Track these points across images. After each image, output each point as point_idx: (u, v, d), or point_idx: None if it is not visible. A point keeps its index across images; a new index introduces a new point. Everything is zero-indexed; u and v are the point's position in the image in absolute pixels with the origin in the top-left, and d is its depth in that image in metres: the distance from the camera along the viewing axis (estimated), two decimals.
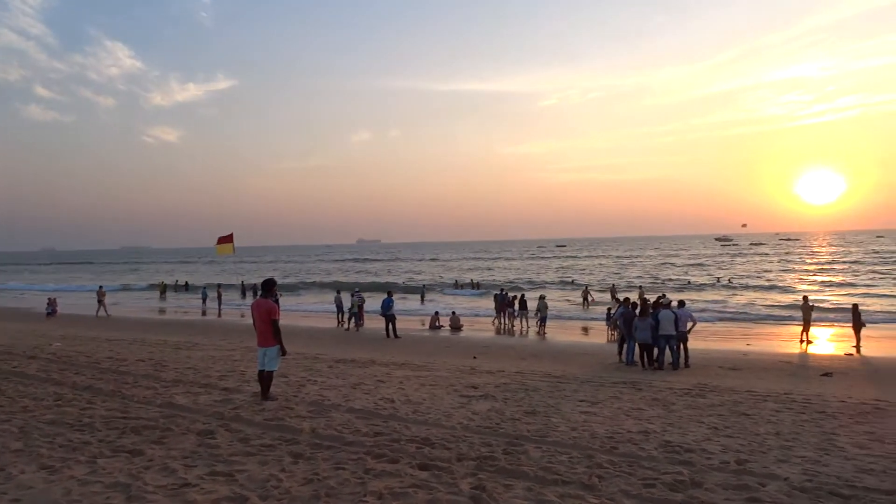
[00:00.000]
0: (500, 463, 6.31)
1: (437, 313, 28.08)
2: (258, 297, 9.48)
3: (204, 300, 40.03)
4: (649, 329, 15.76)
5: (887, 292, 41.73)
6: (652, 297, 23.96)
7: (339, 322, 27.76)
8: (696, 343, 17.73)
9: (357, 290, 30.92)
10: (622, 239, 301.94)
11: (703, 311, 31.67)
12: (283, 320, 10.54)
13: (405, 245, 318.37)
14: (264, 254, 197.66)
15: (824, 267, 69.78)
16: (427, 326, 27.24)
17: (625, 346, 16.62)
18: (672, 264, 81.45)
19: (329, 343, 20.54)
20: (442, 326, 26.81)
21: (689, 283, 50.12)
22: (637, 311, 16.90)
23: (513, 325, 27.26)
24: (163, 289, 51.19)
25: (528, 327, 26.34)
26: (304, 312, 34.64)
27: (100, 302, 32.96)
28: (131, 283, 69.47)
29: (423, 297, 42.00)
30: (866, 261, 74.53)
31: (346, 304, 27.71)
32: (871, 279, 52.16)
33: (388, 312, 23.15)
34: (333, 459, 6.28)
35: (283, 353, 9.11)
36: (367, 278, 70.56)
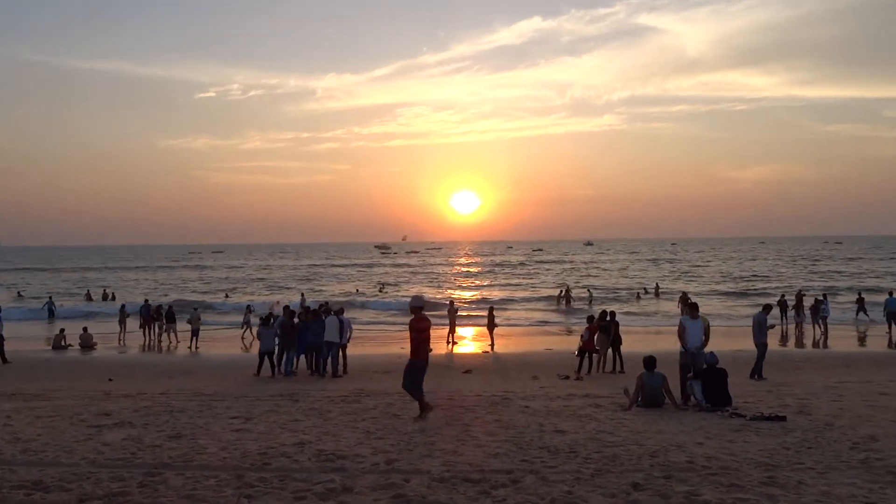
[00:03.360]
0: (133, 498, 5.77)
1: (62, 330, 24.70)
2: None
3: None
4: (271, 337, 16.54)
5: (512, 294, 49.51)
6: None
7: None
8: (355, 349, 18.65)
9: None
10: (284, 245, 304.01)
11: (356, 317, 33.50)
12: None
13: (31, 249, 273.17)
14: None
15: (465, 273, 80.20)
16: (51, 347, 23.81)
17: (284, 356, 16.72)
18: (338, 274, 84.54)
19: None
20: (70, 346, 23.71)
21: (356, 290, 52.80)
22: (296, 318, 17.16)
23: (160, 341, 25.46)
24: None
25: (179, 342, 24.89)
26: None
27: None
28: None
29: (51, 313, 36.54)
30: (497, 270, 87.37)
31: None
32: (503, 285, 61.37)
33: None
34: None
35: None
36: None
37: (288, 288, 59.20)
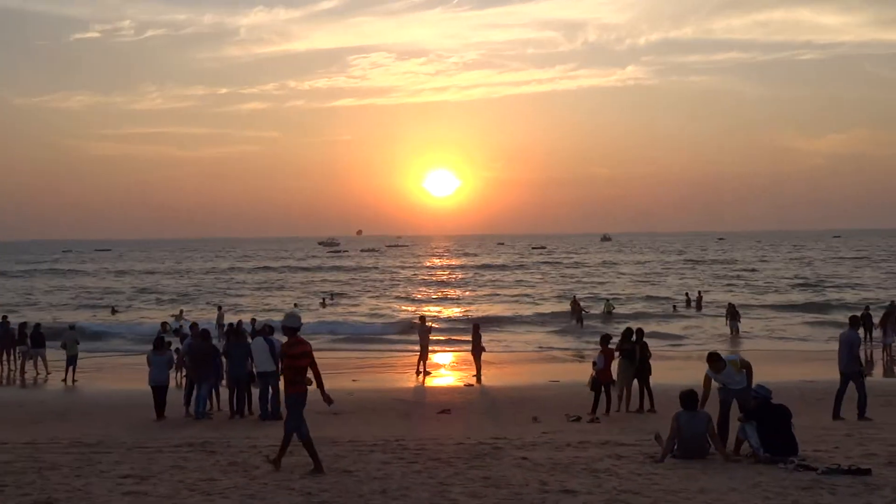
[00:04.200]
0: None
1: None
2: None
3: None
4: (164, 366, 16.87)
5: (505, 308, 49.68)
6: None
7: None
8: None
9: None
10: (194, 242, 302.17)
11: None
12: None
13: None
14: None
15: (441, 280, 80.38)
16: None
17: (194, 391, 16.74)
18: (268, 281, 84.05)
19: None
20: None
21: (294, 305, 52.85)
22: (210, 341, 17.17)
23: (23, 372, 25.26)
24: None
25: (50, 373, 24.79)
26: None
27: None
28: None
29: None
30: (484, 275, 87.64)
31: None
32: (492, 296, 61.58)
33: None
34: None
35: None
36: None
37: (198, 300, 59.05)
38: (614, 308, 43.89)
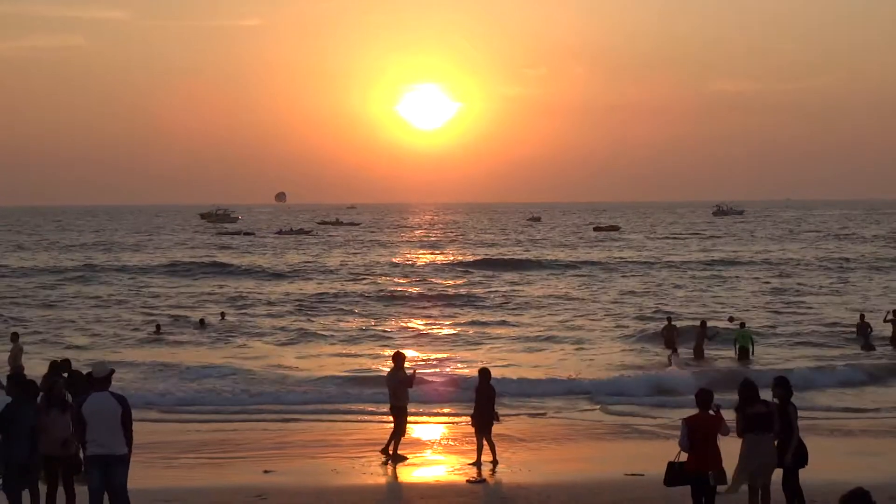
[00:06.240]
0: None
1: None
2: None
3: None
4: None
5: (536, 345, 48.27)
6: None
7: None
8: (146, 472, 18.39)
9: None
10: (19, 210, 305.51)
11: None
12: None
13: None
14: None
15: (422, 291, 78.73)
16: None
17: None
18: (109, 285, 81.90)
19: None
20: None
21: (157, 327, 52.19)
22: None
23: None
24: None
25: None
26: None
27: None
28: None
29: None
30: (502, 279, 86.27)
31: None
32: (513, 323, 59.65)
33: None
34: None
35: None
36: None
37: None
38: (753, 338, 42.29)
